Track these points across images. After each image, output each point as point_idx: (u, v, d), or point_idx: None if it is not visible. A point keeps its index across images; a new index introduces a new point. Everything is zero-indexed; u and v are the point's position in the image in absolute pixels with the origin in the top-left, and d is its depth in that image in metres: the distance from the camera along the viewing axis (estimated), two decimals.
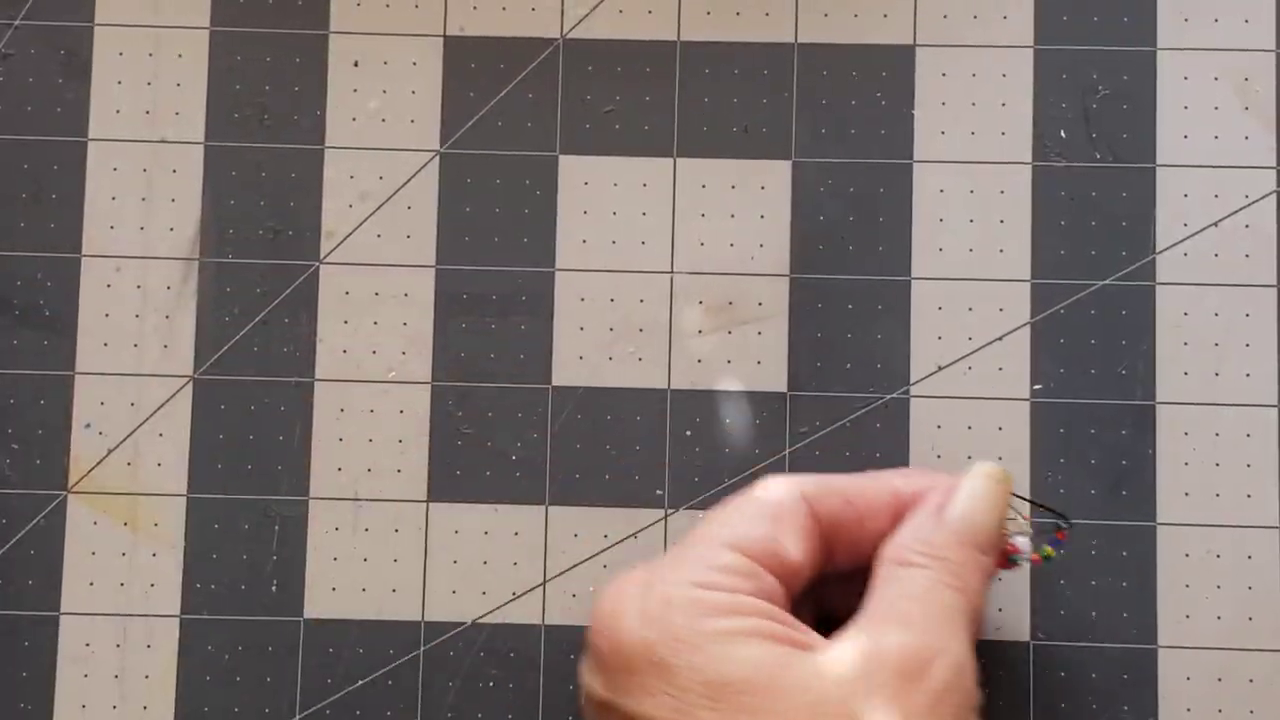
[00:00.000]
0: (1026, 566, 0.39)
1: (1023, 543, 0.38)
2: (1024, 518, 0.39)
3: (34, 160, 0.44)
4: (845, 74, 0.44)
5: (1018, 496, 0.38)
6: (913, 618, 0.35)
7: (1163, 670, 0.42)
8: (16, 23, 0.45)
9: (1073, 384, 0.43)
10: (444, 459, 0.43)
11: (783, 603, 0.36)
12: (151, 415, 0.44)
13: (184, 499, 0.43)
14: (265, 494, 0.43)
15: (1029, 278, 0.43)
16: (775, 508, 0.37)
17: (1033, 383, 0.43)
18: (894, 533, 0.37)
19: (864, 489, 0.38)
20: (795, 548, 0.36)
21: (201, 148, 0.44)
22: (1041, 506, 0.40)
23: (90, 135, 0.44)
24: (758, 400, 0.43)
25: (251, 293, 0.44)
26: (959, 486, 0.38)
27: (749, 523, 0.37)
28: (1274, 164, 0.43)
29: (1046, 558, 0.39)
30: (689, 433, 0.43)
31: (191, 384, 0.44)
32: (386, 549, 0.43)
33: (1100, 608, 0.42)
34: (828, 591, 0.39)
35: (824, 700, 0.33)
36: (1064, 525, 0.39)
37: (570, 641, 0.43)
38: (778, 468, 0.43)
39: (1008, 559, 0.38)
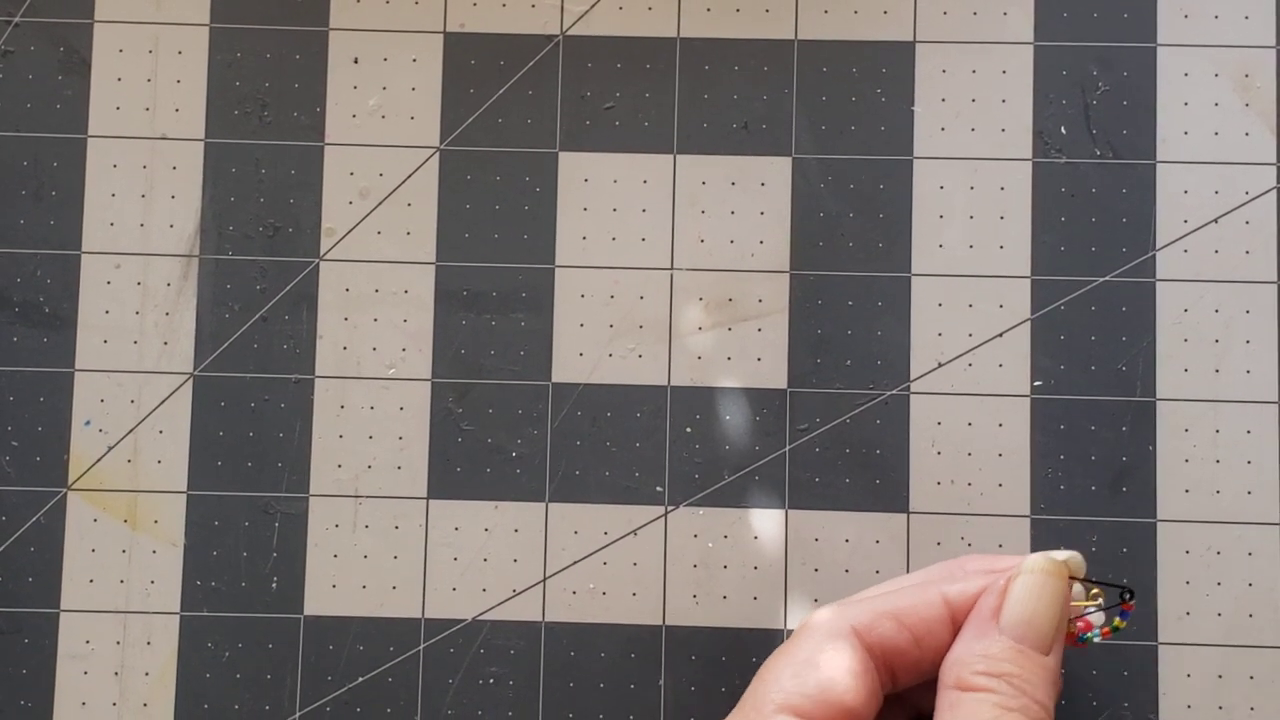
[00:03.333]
0: (1098, 641, 0.38)
1: (1095, 619, 0.37)
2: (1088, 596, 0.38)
3: (34, 157, 0.44)
4: (845, 70, 0.44)
5: (1079, 580, 0.37)
6: None
7: (1163, 667, 0.42)
8: (16, 19, 0.45)
9: (1073, 380, 0.43)
10: (444, 456, 0.43)
11: None
12: (151, 412, 0.44)
13: (184, 496, 0.43)
14: (265, 491, 0.43)
15: (1029, 274, 0.43)
16: (824, 652, 0.35)
17: (1033, 379, 0.43)
18: (953, 646, 0.36)
19: (915, 605, 0.36)
20: (851, 690, 0.35)
21: (201, 144, 0.44)
22: (1100, 584, 0.38)
23: (90, 132, 0.44)
24: (758, 397, 0.43)
25: (251, 289, 0.44)
26: (1010, 589, 0.36)
27: (798, 678, 0.35)
28: (1274, 160, 0.43)
29: (1116, 629, 0.37)
30: (689, 429, 0.43)
31: (191, 381, 0.44)
32: (386, 546, 0.43)
33: None
34: (915, 692, 0.38)
35: None
36: (1128, 597, 0.38)
37: (570, 638, 0.43)
38: (778, 465, 0.43)
39: (1077, 639, 0.37)
